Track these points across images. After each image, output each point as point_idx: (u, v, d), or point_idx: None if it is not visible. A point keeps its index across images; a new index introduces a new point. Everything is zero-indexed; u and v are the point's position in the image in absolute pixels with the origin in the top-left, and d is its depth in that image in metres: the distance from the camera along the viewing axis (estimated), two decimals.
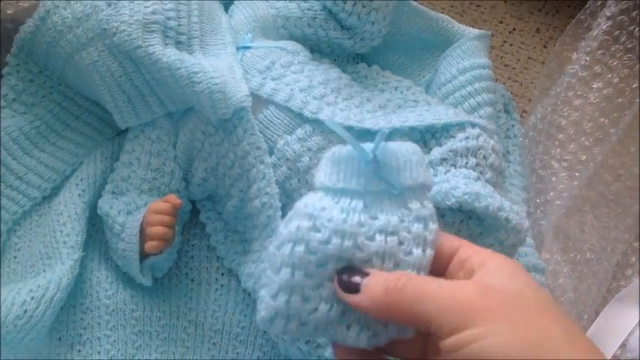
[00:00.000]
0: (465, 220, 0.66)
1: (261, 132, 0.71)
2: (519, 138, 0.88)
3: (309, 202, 0.45)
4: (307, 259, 0.44)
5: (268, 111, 0.72)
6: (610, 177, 0.85)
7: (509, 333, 0.35)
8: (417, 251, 0.45)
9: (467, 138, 0.68)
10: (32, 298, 0.68)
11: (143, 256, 0.72)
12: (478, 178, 0.66)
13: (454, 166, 0.67)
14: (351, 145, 0.45)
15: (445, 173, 0.67)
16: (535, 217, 0.84)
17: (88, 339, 0.74)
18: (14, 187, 0.79)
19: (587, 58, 0.83)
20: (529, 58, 1.01)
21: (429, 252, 0.45)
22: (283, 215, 0.70)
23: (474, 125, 0.69)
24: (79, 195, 0.77)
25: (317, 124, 0.71)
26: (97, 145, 0.83)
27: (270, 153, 0.71)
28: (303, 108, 0.71)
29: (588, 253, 0.83)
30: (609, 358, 0.76)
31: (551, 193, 0.84)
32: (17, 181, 0.79)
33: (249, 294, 0.77)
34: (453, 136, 0.69)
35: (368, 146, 0.46)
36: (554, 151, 0.85)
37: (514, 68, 1.00)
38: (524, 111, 0.96)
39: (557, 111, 0.85)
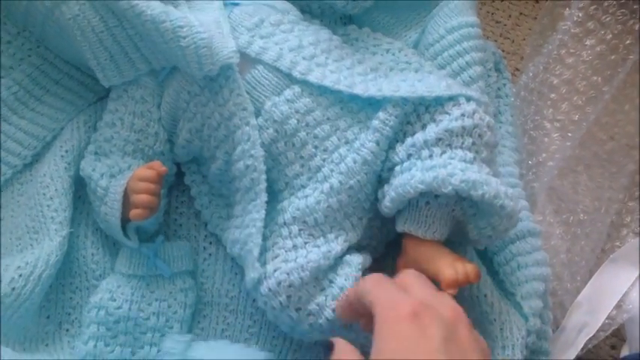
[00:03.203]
0: (458, 202, 0.67)
1: (248, 92, 0.71)
2: (511, 98, 0.88)
3: (109, 281, 0.74)
4: (107, 319, 0.72)
5: (256, 71, 0.72)
6: (604, 136, 0.87)
7: None
8: (180, 311, 0.75)
9: (462, 116, 0.68)
10: (20, 276, 0.69)
11: (128, 219, 0.72)
12: (474, 159, 0.67)
13: (449, 146, 0.67)
14: (137, 247, 0.74)
15: (441, 155, 0.67)
16: (527, 179, 0.85)
17: (76, 318, 0.76)
18: None
19: (580, 14, 0.83)
20: (521, 14, 1.00)
21: (189, 311, 0.75)
22: (268, 179, 0.70)
23: (468, 99, 0.69)
24: (65, 168, 0.77)
25: (306, 85, 0.71)
26: (78, 111, 0.83)
27: (257, 115, 0.71)
28: (292, 68, 0.71)
29: (582, 214, 0.85)
30: (604, 318, 0.77)
31: (544, 155, 0.85)
32: None
33: (237, 262, 0.78)
34: (448, 113, 0.69)
35: (149, 246, 0.75)
36: (547, 111, 0.86)
37: (505, 25, 0.99)
38: (517, 69, 0.96)
39: (549, 69, 0.86)
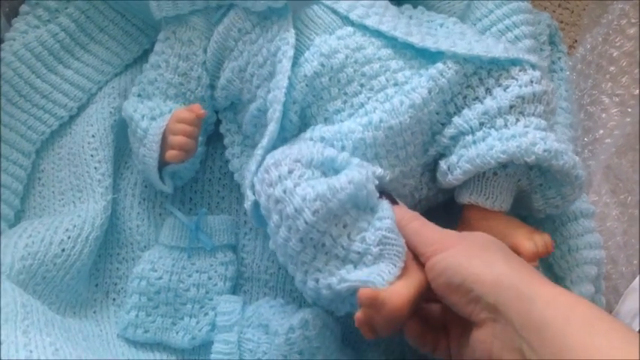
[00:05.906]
0: (525, 172, 0.68)
1: (299, 30, 0.72)
2: (566, 72, 0.86)
3: (151, 252, 0.78)
4: (148, 290, 0.76)
5: (311, 10, 0.73)
6: None
7: (463, 256, 0.58)
8: (220, 283, 0.78)
9: (531, 82, 0.68)
10: (69, 238, 0.74)
11: (164, 163, 0.76)
12: (547, 127, 0.67)
13: (522, 114, 0.67)
14: (181, 219, 0.79)
15: (516, 123, 0.67)
16: (583, 157, 0.84)
17: (122, 288, 0.81)
18: (40, 106, 0.84)
19: None
20: None
21: (229, 284, 0.79)
22: (306, 115, 0.71)
23: (533, 66, 0.69)
24: (112, 127, 0.82)
25: (360, 28, 0.72)
26: (123, 65, 0.87)
27: (305, 49, 0.72)
28: (350, 11, 0.72)
29: None
30: None
31: (601, 131, 0.83)
32: (43, 100, 0.84)
33: None
34: (515, 78, 0.68)
35: (192, 218, 0.79)
36: (605, 85, 0.84)
37: None
38: (576, 41, 0.95)
39: (609, 41, 0.83)
